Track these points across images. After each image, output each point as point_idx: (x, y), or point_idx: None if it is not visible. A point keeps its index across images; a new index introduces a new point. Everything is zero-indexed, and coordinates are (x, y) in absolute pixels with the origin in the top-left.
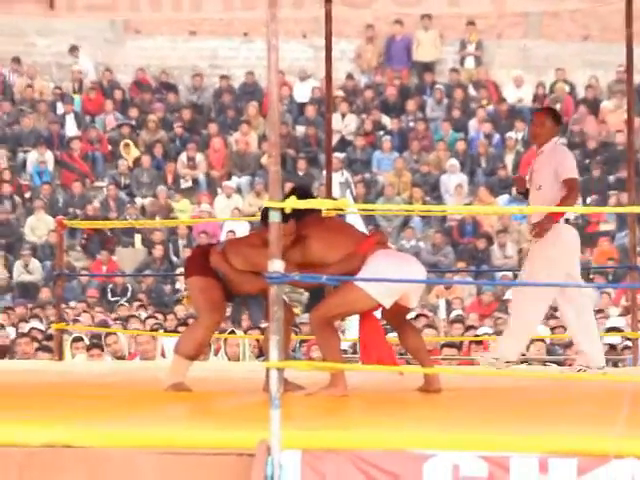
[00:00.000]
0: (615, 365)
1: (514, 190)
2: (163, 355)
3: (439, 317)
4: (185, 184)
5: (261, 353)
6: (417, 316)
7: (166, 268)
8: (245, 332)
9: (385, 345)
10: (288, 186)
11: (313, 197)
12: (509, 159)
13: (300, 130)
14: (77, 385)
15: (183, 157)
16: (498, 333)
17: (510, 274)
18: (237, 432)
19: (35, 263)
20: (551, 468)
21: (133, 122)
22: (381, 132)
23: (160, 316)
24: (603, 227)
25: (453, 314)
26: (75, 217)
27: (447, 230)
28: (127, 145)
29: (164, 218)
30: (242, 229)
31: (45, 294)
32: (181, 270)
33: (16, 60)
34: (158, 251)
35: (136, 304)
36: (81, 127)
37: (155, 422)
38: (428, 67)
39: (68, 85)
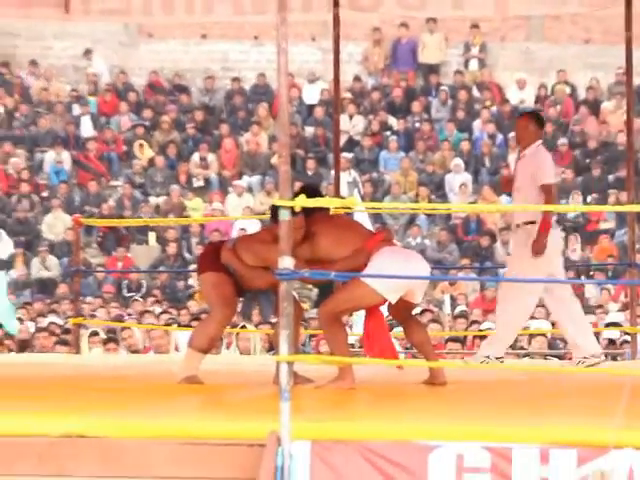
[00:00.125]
0: (614, 359)
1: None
2: (177, 349)
3: (444, 312)
4: (197, 183)
5: (271, 347)
6: (422, 311)
7: (179, 265)
8: (256, 327)
9: (387, 339)
10: (298, 185)
11: (322, 196)
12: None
13: (309, 131)
14: (94, 378)
15: (195, 157)
16: None
17: None
18: (248, 423)
19: (53, 260)
20: (552, 458)
21: (147, 123)
22: (388, 132)
23: (174, 311)
24: (603, 225)
25: (457, 309)
26: (91, 215)
27: (452, 228)
28: (141, 145)
29: (177, 216)
30: (253, 227)
31: (62, 290)
32: (194, 267)
33: (33, 63)
34: (172, 248)
35: (150, 299)
36: (97, 128)
37: (168, 413)
38: (433, 69)
39: (84, 87)
